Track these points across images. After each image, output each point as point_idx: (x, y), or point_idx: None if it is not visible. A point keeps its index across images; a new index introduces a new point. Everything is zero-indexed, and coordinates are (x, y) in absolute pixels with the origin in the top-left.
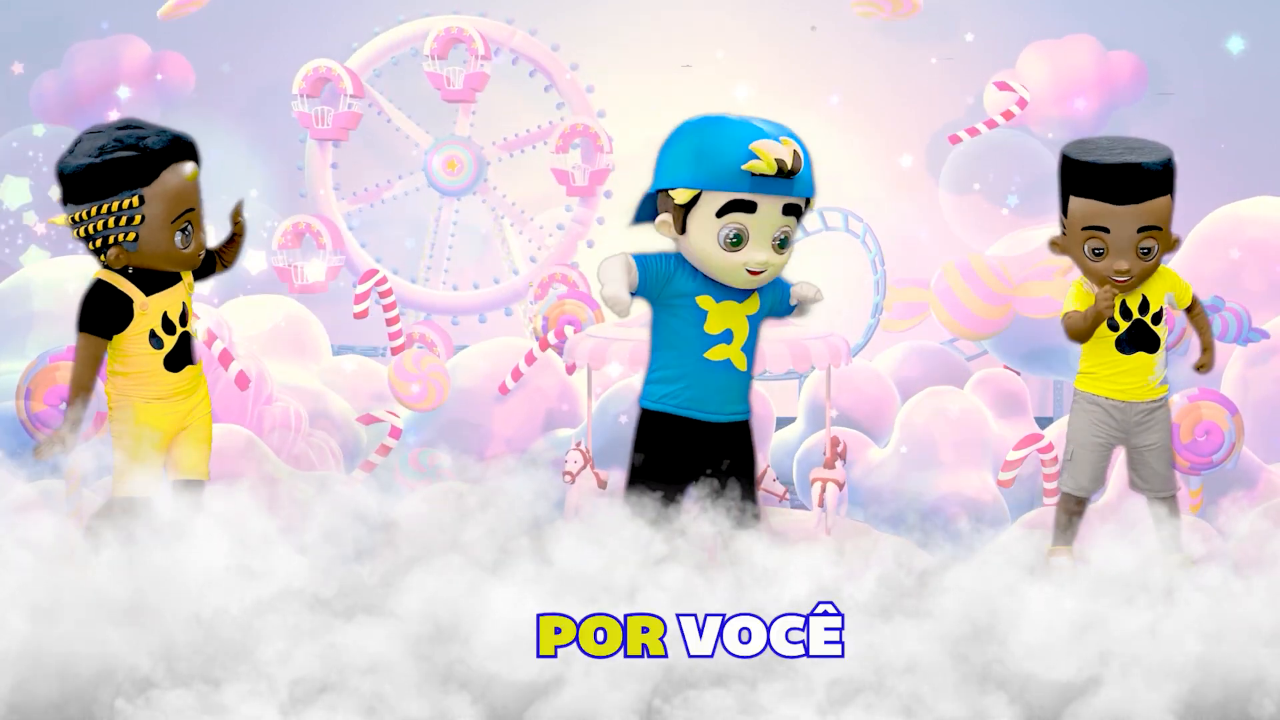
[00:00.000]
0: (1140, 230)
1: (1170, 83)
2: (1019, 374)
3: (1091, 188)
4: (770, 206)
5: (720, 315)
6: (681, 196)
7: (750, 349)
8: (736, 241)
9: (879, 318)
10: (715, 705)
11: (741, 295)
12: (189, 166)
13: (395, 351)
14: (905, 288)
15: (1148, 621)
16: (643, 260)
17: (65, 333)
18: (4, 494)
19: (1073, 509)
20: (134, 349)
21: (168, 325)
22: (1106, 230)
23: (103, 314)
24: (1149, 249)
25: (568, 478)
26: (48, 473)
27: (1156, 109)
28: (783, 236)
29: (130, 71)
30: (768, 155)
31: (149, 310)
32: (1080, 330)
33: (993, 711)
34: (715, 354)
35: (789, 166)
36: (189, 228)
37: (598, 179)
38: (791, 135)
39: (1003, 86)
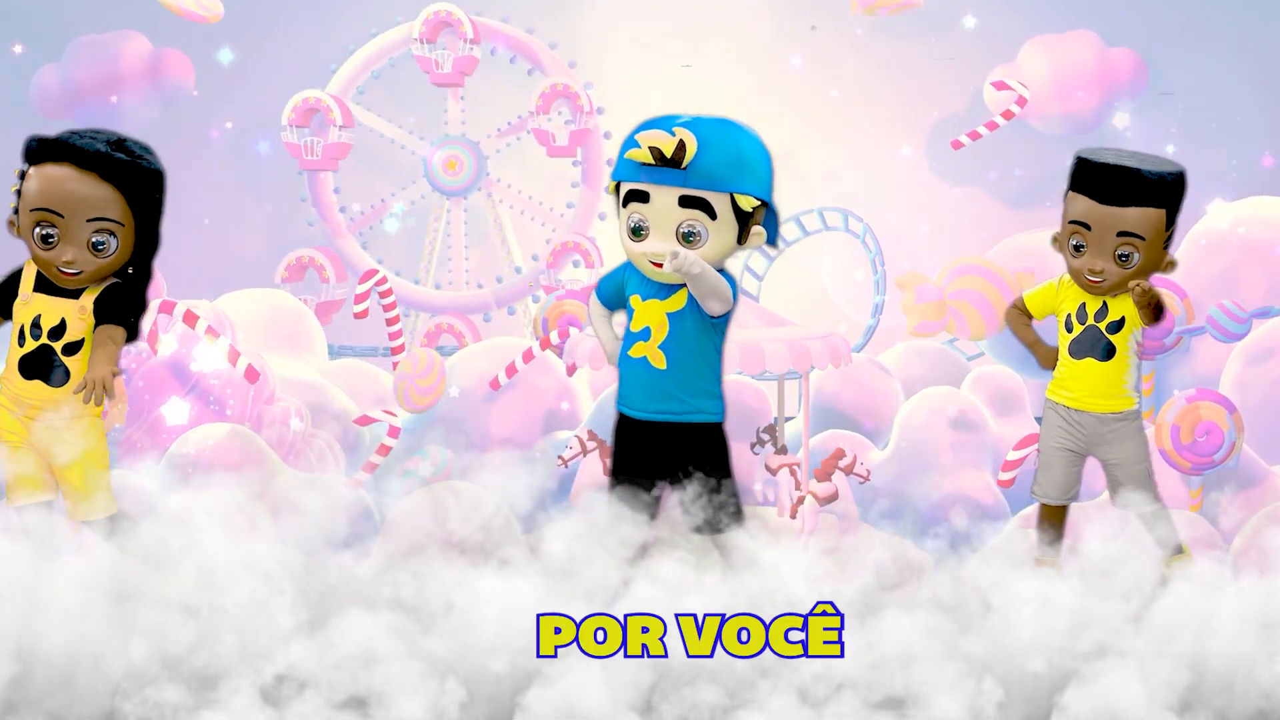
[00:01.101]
0: (1120, 235)
1: (1170, 83)
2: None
3: (1084, 184)
4: (664, 197)
5: (642, 312)
6: (610, 189)
7: (674, 347)
8: (636, 231)
9: (879, 318)
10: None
11: (665, 292)
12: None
13: (395, 352)
14: (923, 299)
15: (1140, 617)
16: (602, 283)
17: None
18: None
19: (1048, 516)
20: (11, 337)
21: (35, 330)
22: (1088, 227)
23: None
24: (1127, 255)
25: (559, 463)
26: None
27: (1156, 109)
28: (688, 230)
29: (131, 68)
30: (644, 143)
31: (29, 305)
32: (1009, 324)
33: (986, 710)
34: (634, 351)
35: (667, 154)
36: (48, 231)
37: (578, 139)
38: (708, 130)
39: (1000, 86)
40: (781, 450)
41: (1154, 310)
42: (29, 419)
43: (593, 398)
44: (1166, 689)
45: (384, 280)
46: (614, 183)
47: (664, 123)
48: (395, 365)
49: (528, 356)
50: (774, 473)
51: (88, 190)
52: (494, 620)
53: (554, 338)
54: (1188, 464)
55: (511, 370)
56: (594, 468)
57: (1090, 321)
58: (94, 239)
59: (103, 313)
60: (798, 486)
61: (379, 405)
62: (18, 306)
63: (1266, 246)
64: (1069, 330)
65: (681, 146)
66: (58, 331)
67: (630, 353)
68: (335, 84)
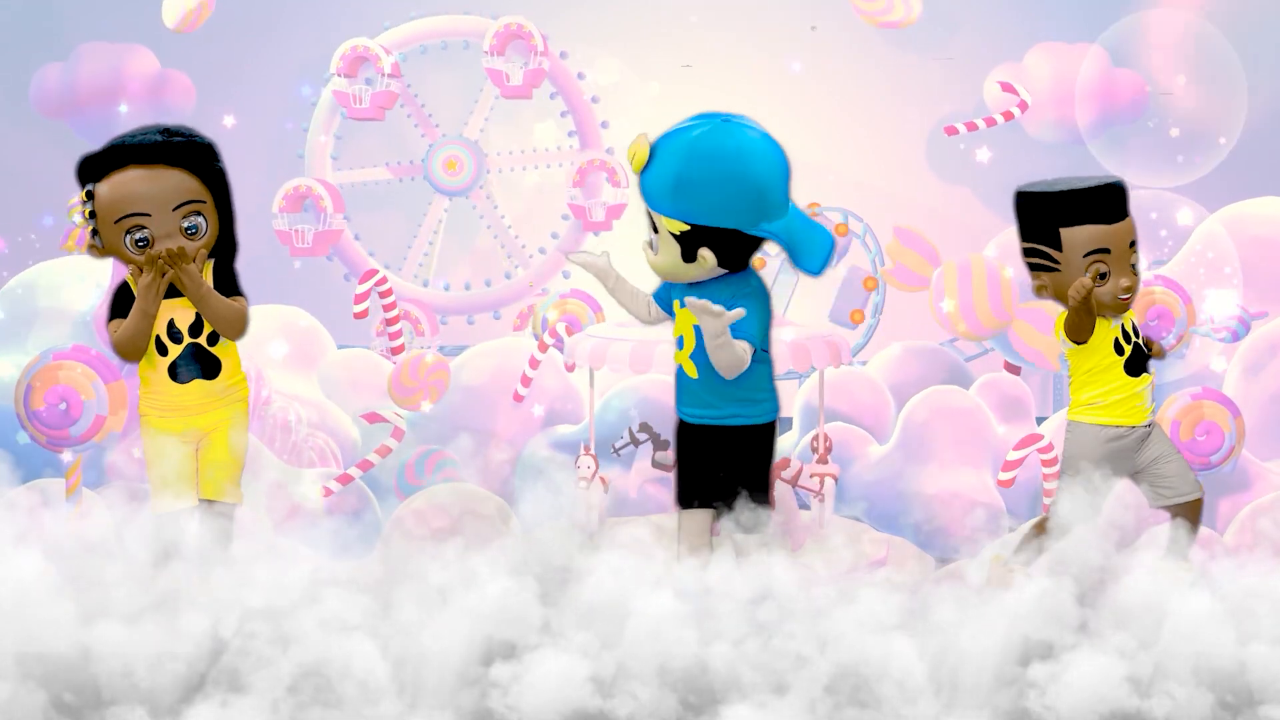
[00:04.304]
0: (1130, 245)
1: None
2: (1019, 371)
3: (1088, 214)
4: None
5: (678, 320)
6: None
7: (702, 358)
8: None
9: (879, 317)
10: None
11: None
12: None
13: (395, 352)
14: (909, 250)
15: (1134, 624)
16: (659, 289)
17: (69, 332)
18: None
19: (1044, 531)
20: (146, 355)
21: (174, 333)
22: (1108, 251)
23: (118, 306)
24: (1134, 263)
25: (583, 483)
26: (47, 472)
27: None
28: (649, 237)
29: (133, 84)
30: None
31: (157, 315)
32: (1077, 324)
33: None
34: (676, 358)
35: (629, 158)
36: (140, 235)
37: (533, 79)
38: (669, 143)
39: (1007, 88)
40: (823, 460)
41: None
42: (200, 421)
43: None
44: (1147, 681)
45: (384, 280)
46: None
47: (674, 129)
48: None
49: (534, 363)
50: (668, 470)
51: (162, 181)
52: (486, 615)
53: (548, 338)
54: None
55: (526, 380)
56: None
57: (1135, 339)
58: (185, 225)
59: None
60: None
61: (381, 399)
62: None
63: (1266, 246)
64: (1120, 352)
65: (637, 156)
66: (197, 328)
67: (674, 358)
68: (310, 165)
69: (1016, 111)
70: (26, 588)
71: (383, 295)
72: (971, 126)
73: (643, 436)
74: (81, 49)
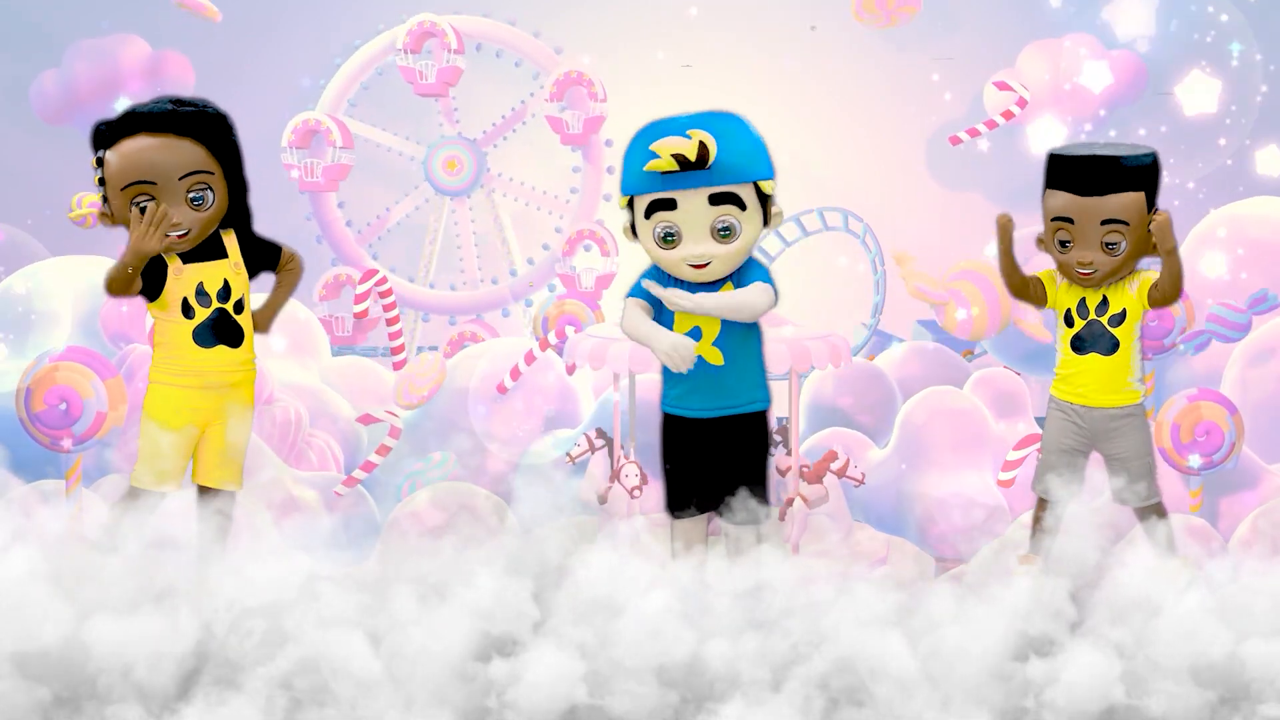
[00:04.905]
0: (1104, 223)
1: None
2: (1019, 375)
3: (1061, 180)
4: (693, 200)
5: (686, 314)
6: (622, 204)
7: (728, 343)
8: (669, 239)
9: (879, 318)
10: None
11: (711, 290)
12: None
13: (395, 352)
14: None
15: (1136, 626)
16: (636, 287)
17: (67, 333)
18: (2, 494)
19: (1045, 514)
20: (167, 317)
21: (202, 297)
22: (1071, 221)
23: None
24: (1114, 243)
25: (636, 493)
26: (48, 472)
27: (1156, 109)
28: (723, 226)
29: (130, 71)
30: (665, 152)
31: (183, 276)
32: (1000, 266)
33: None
34: (695, 351)
35: (691, 158)
36: (145, 202)
37: (591, 126)
38: (712, 125)
39: (1002, 86)
40: (813, 479)
41: (1172, 255)
42: (213, 397)
43: (594, 397)
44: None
45: (384, 280)
46: (626, 198)
47: (667, 126)
48: (395, 366)
49: (529, 358)
50: (783, 474)
51: (171, 150)
52: (483, 612)
53: (552, 338)
54: (1186, 462)
55: (516, 373)
56: (601, 466)
57: (1092, 316)
58: (191, 195)
59: (257, 258)
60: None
61: (380, 404)
62: (173, 279)
63: (1266, 246)
64: (1069, 325)
65: (704, 147)
66: (224, 294)
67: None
68: (325, 101)
69: (1016, 109)
70: (24, 585)
71: (382, 295)
72: (974, 133)
73: (600, 443)
74: (72, 48)
